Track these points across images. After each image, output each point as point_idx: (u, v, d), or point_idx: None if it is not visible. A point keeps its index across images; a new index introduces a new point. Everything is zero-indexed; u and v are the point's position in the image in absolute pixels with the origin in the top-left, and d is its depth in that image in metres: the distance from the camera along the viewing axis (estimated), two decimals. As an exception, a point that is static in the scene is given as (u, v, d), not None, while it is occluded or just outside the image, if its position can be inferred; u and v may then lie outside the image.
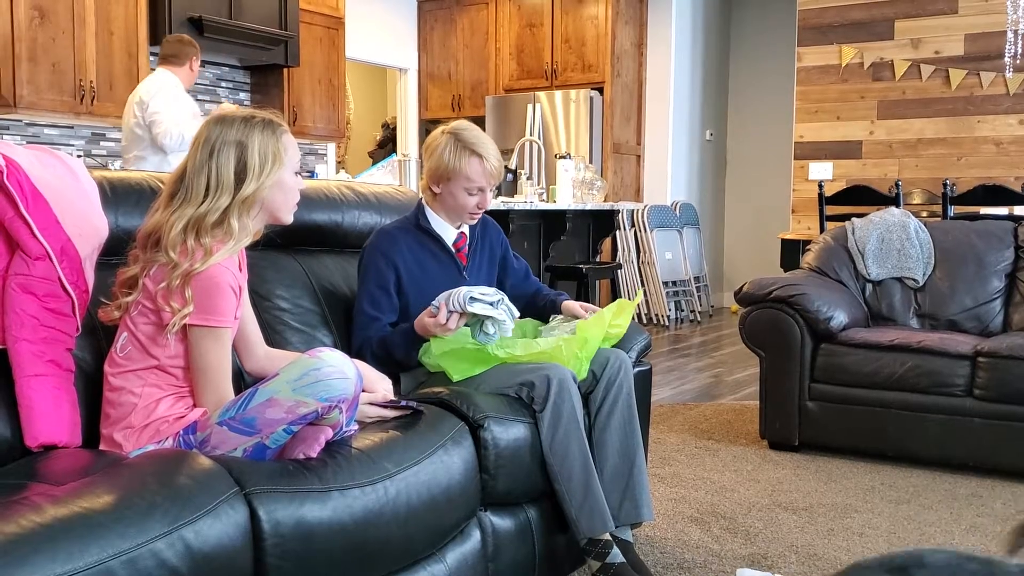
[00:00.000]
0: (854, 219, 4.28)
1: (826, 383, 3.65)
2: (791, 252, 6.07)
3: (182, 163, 1.94)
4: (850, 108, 7.35)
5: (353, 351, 2.42)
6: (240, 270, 1.97)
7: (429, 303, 2.42)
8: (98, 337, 1.98)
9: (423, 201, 2.57)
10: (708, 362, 5.99)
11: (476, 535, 2.12)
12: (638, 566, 2.30)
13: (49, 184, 1.89)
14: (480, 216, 2.55)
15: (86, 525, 1.38)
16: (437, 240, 2.53)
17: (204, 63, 6.72)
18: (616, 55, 7.84)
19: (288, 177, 1.96)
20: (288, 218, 2.02)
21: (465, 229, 2.58)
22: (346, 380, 1.77)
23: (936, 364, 3.47)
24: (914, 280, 4.02)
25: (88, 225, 1.98)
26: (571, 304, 2.63)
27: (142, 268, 1.88)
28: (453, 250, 2.55)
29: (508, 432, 2.16)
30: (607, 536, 2.24)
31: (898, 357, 3.53)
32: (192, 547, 1.47)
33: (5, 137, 5.59)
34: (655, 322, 7.75)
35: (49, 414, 1.81)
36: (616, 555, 2.24)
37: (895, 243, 4.09)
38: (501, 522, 2.19)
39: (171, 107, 4.84)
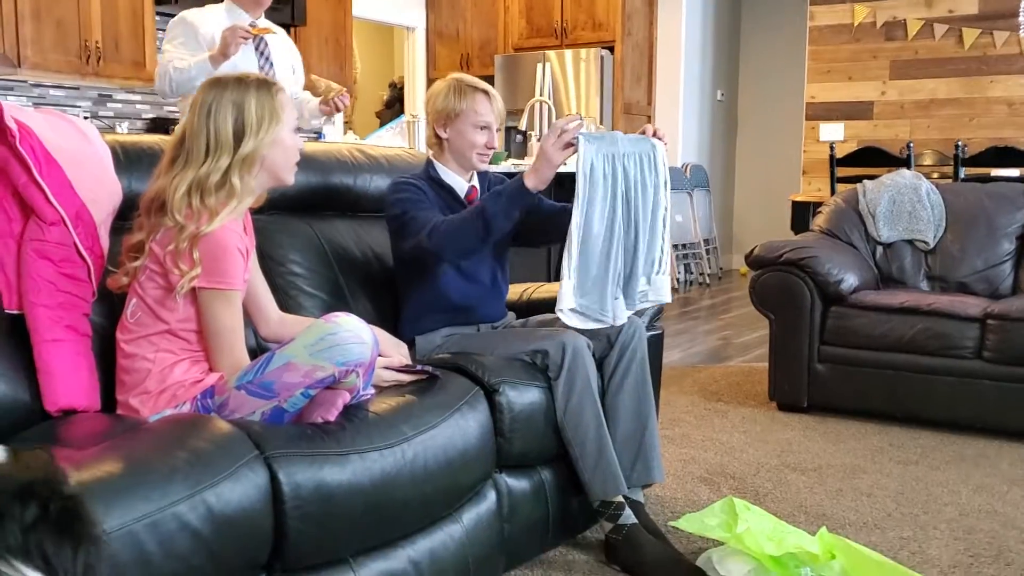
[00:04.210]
0: (865, 181, 4.26)
1: (836, 345, 3.66)
2: (801, 214, 6.05)
3: (180, 128, 1.95)
4: (862, 68, 7.28)
5: (427, 231, 2.31)
6: (246, 233, 1.98)
7: None
8: (113, 302, 1.99)
9: (431, 157, 2.57)
10: (717, 324, 6.00)
11: (491, 496, 2.14)
12: (649, 526, 2.33)
13: (62, 149, 1.90)
14: (488, 157, 2.52)
15: (109, 489, 1.40)
16: (450, 192, 2.52)
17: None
18: (627, 13, 7.74)
19: (286, 135, 1.96)
20: (289, 178, 2.02)
21: (475, 182, 2.57)
22: (363, 345, 1.79)
23: (946, 326, 3.47)
24: (925, 242, 4.01)
25: (102, 190, 1.98)
26: None
27: (148, 233, 1.89)
28: (466, 202, 2.52)
29: (523, 396, 2.18)
30: (619, 498, 2.27)
31: (908, 320, 3.53)
32: (214, 510, 1.50)
33: (10, 98, 5.58)
34: (663, 283, 7.73)
35: (67, 379, 1.83)
36: (628, 516, 2.27)
37: (906, 205, 4.07)
38: (516, 483, 2.22)
39: None
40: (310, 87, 3.90)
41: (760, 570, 2.07)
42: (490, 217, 2.24)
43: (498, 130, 2.53)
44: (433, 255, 2.35)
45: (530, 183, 2.24)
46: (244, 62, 3.59)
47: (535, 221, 2.52)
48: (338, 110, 3.76)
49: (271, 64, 3.74)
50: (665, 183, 2.38)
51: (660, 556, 2.21)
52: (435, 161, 2.55)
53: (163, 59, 3.69)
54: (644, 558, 2.22)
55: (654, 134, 2.38)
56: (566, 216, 2.27)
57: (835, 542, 2.12)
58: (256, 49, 3.69)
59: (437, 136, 2.51)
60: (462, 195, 2.53)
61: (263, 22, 3.77)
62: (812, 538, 2.14)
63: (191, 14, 3.71)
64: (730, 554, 2.13)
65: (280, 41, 3.83)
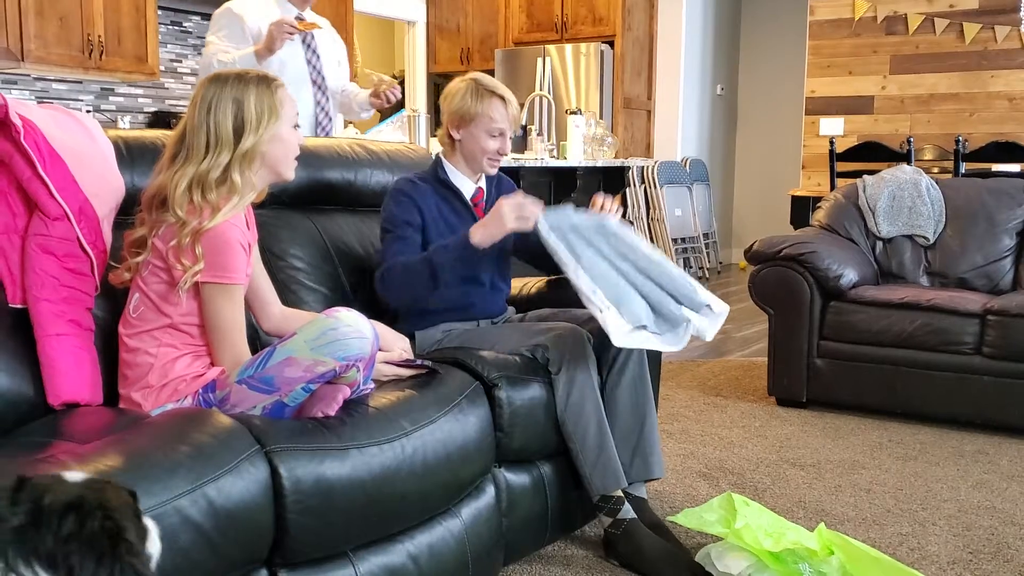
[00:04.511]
0: (865, 176, 4.27)
1: (835, 341, 3.67)
2: (801, 209, 6.05)
3: (181, 124, 1.96)
4: (862, 62, 7.27)
5: (380, 272, 2.37)
6: (248, 228, 1.99)
7: None
8: (116, 296, 2.00)
9: (440, 156, 2.57)
10: (716, 318, 6.00)
11: (490, 491, 2.15)
12: (652, 521, 2.34)
13: (66, 144, 1.91)
14: (499, 163, 2.54)
15: (112, 483, 1.41)
16: (456, 193, 2.52)
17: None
18: (627, 8, 7.74)
19: (286, 131, 1.97)
20: (290, 173, 2.03)
21: (483, 184, 2.58)
22: (363, 339, 1.80)
23: (945, 322, 3.48)
24: (925, 238, 4.02)
25: (105, 185, 1.99)
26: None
27: (150, 229, 1.90)
28: (471, 204, 2.54)
29: (522, 391, 2.18)
30: (619, 493, 2.28)
31: (907, 315, 3.54)
32: (215, 504, 1.51)
33: (13, 92, 5.58)
34: (663, 278, 7.74)
35: (70, 372, 1.83)
36: (627, 511, 2.28)
37: (906, 200, 4.08)
38: (515, 478, 2.23)
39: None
40: (362, 79, 3.86)
41: (758, 566, 2.08)
42: (437, 267, 2.29)
43: (511, 137, 2.52)
44: (383, 298, 2.39)
45: (476, 239, 2.27)
46: (291, 55, 3.52)
47: (536, 243, 2.55)
48: (389, 103, 3.72)
49: (317, 56, 3.66)
50: (633, 240, 2.39)
51: (658, 551, 2.22)
52: (444, 160, 2.54)
53: (207, 51, 3.56)
54: (642, 553, 2.23)
55: (602, 206, 2.41)
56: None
57: (833, 538, 2.13)
58: (303, 42, 3.59)
59: (450, 135, 2.50)
60: (468, 197, 2.54)
61: (310, 15, 3.67)
62: (811, 534, 2.15)
63: (237, 5, 3.58)
64: (729, 550, 2.14)
65: (326, 34, 3.74)
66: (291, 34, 3.36)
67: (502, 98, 2.46)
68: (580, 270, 2.24)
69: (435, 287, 2.32)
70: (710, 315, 2.35)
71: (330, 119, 3.77)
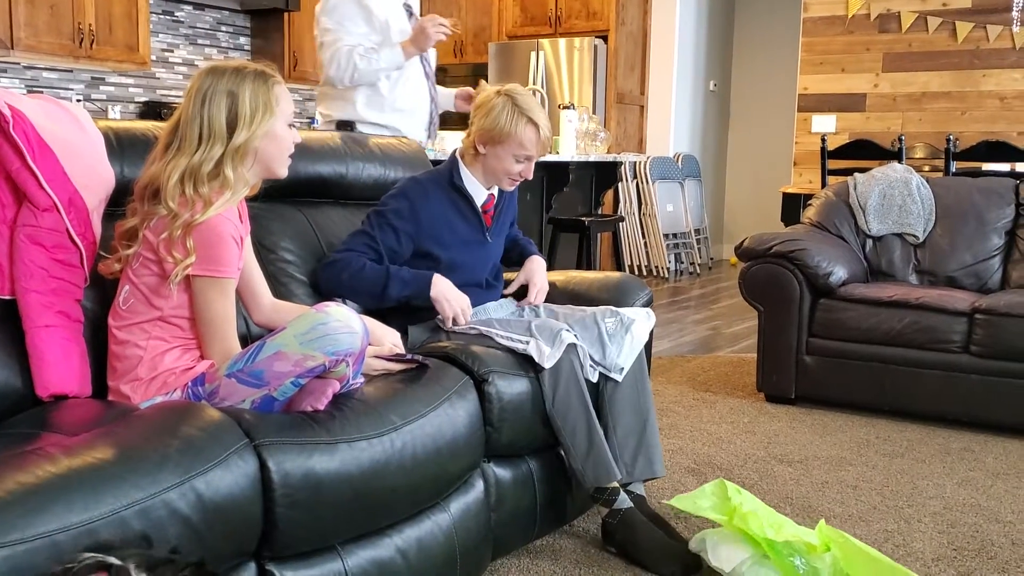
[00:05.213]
0: (856, 174, 4.29)
1: (824, 338, 3.69)
2: (792, 206, 6.06)
3: (176, 114, 1.94)
4: (855, 60, 7.29)
5: (333, 257, 2.43)
6: (241, 221, 1.98)
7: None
8: (105, 288, 2.00)
9: (458, 158, 2.54)
10: (707, 314, 6.02)
11: (479, 485, 2.16)
12: (653, 516, 2.35)
13: (55, 135, 1.90)
14: (518, 183, 2.54)
15: (101, 476, 1.41)
16: (467, 199, 2.52)
17: (204, 7, 6.65)
18: (621, 3, 7.74)
19: (280, 128, 1.96)
20: (283, 171, 2.02)
21: (495, 191, 2.58)
22: (353, 334, 1.80)
23: (934, 320, 3.50)
24: (914, 236, 4.03)
25: (95, 176, 1.99)
26: (527, 273, 2.65)
27: (142, 220, 1.89)
28: (481, 211, 2.55)
29: (512, 386, 2.19)
30: (614, 484, 2.29)
31: (896, 313, 3.56)
32: (204, 497, 1.50)
33: (3, 81, 5.56)
34: (655, 274, 7.77)
35: (59, 364, 1.83)
36: (623, 500, 2.29)
37: (897, 199, 4.09)
38: (504, 473, 2.24)
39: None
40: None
41: (755, 559, 2.08)
42: (388, 295, 2.39)
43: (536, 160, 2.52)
44: (319, 277, 2.45)
45: (434, 292, 2.38)
46: None
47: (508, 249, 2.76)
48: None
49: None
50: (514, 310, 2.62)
51: (653, 541, 2.24)
52: (462, 165, 2.53)
53: (337, 43, 3.31)
54: (639, 541, 2.25)
55: (531, 295, 2.60)
56: (515, 250, 2.72)
57: (834, 535, 2.11)
58: None
59: (475, 147, 2.48)
60: (479, 203, 2.54)
61: (415, 3, 3.55)
62: (811, 531, 2.14)
63: None
64: (724, 540, 2.13)
65: None
66: (446, 35, 3.25)
67: (537, 125, 2.42)
68: (493, 331, 2.36)
69: (376, 304, 2.39)
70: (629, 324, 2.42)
71: (438, 114, 3.71)
